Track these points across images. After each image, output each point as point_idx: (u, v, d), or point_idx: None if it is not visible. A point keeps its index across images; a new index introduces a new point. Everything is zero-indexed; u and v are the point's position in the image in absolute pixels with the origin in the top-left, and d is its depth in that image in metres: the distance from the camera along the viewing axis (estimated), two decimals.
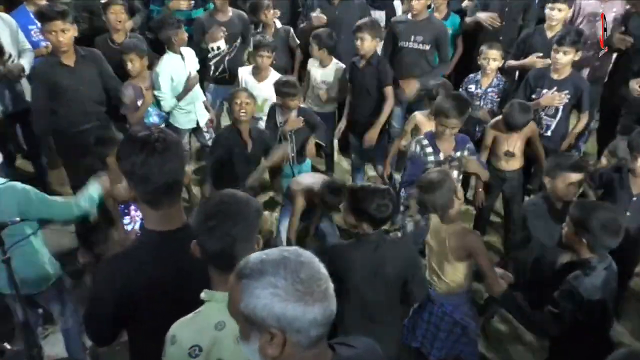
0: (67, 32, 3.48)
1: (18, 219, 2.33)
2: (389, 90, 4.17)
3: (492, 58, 4.10)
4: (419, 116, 4.00)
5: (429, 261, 2.90)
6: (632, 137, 3.06)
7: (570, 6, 4.24)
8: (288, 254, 1.17)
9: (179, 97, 4.24)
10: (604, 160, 3.76)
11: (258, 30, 4.81)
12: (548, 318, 2.42)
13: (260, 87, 4.36)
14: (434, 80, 4.04)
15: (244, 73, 4.46)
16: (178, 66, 4.23)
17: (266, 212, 3.04)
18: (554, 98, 3.84)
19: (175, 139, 1.74)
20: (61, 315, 2.99)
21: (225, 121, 5.32)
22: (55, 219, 2.73)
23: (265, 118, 4.25)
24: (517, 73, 4.67)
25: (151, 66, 4.17)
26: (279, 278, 1.12)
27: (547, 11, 4.24)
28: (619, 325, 3.43)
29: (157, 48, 4.42)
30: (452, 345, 2.88)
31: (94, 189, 2.74)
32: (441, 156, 3.38)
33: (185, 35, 4.32)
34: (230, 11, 4.80)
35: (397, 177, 4.58)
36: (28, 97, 4.03)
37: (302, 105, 4.18)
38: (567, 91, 3.86)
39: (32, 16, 4.22)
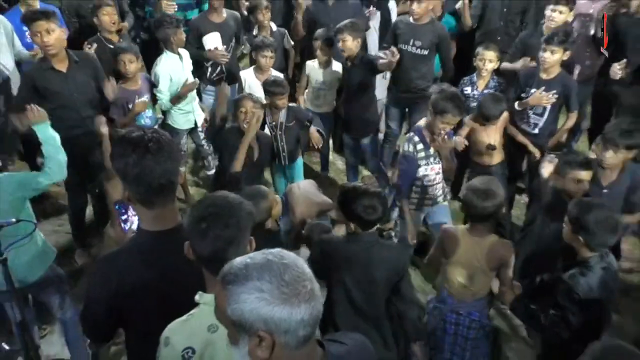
0: (52, 33, 3.35)
1: (14, 219, 2.30)
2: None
3: (488, 59, 4.07)
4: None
5: (449, 273, 2.81)
6: (607, 130, 3.07)
7: (571, 9, 4.20)
8: (272, 257, 1.16)
9: (173, 101, 4.17)
10: (592, 156, 3.70)
11: (255, 33, 4.76)
12: (555, 322, 2.41)
13: (261, 87, 4.29)
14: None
15: (247, 75, 4.40)
16: (176, 66, 4.18)
17: (277, 196, 2.98)
18: (542, 98, 3.83)
19: (169, 140, 1.71)
20: (60, 308, 2.97)
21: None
22: (47, 185, 2.87)
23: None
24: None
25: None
26: (264, 282, 1.12)
27: (547, 12, 4.18)
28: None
29: (151, 49, 4.37)
30: (479, 351, 2.85)
31: (45, 140, 2.83)
32: (431, 151, 3.38)
33: (184, 36, 4.26)
34: (225, 12, 4.74)
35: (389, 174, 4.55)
36: None
37: (291, 105, 4.13)
38: (554, 91, 3.84)
39: None
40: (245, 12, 5.09)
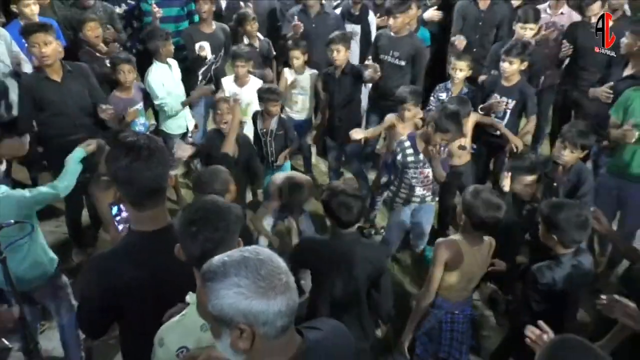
0: (49, 45, 3.40)
1: (12, 221, 2.32)
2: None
3: (459, 68, 4.19)
4: (391, 117, 4.07)
5: (448, 282, 2.71)
6: (565, 130, 3.17)
7: (538, 25, 4.39)
8: (248, 254, 1.18)
9: (185, 103, 4.35)
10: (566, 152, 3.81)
11: (245, 43, 4.88)
12: (519, 308, 2.52)
13: (241, 92, 4.42)
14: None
15: (226, 82, 4.52)
16: (166, 74, 4.30)
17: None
18: (498, 105, 4.01)
19: (161, 147, 1.74)
20: (57, 314, 2.99)
21: (212, 127, 5.38)
22: (50, 202, 2.85)
23: (249, 122, 4.31)
24: None
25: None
26: (241, 277, 1.14)
27: (517, 29, 4.34)
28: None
29: (146, 59, 4.48)
30: (470, 340, 2.90)
31: (74, 159, 2.82)
32: (421, 157, 3.46)
33: (172, 47, 4.36)
34: (214, 24, 4.86)
35: (371, 177, 4.65)
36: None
37: (283, 116, 4.23)
38: (513, 97, 4.02)
39: None
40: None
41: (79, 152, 2.85)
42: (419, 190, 3.58)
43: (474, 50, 4.76)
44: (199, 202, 1.68)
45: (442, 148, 3.32)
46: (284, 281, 1.17)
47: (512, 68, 3.96)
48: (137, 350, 1.75)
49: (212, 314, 1.17)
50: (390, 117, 4.05)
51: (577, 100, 4.52)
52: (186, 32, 4.86)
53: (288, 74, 4.63)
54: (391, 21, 4.39)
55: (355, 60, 5.09)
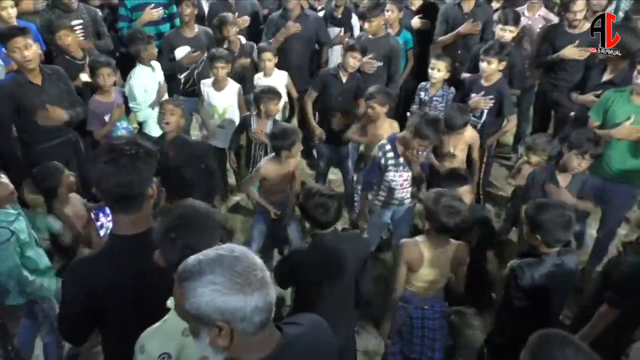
0: (30, 48, 3.35)
1: None
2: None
3: (437, 69, 4.22)
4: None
5: (413, 280, 2.76)
6: (574, 137, 3.20)
7: (518, 27, 4.44)
8: (223, 252, 1.19)
9: (152, 106, 4.22)
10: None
11: (225, 46, 4.82)
12: (499, 303, 2.53)
13: (220, 96, 4.38)
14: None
15: (205, 86, 4.45)
16: (149, 77, 4.24)
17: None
18: (479, 101, 4.04)
19: (147, 154, 1.69)
20: (38, 333, 2.96)
21: (195, 132, 5.33)
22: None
23: (225, 126, 4.30)
24: None
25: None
26: (217, 275, 1.15)
27: (497, 31, 4.39)
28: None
29: (129, 62, 4.40)
30: (443, 336, 2.90)
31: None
32: (401, 160, 3.46)
33: (155, 50, 4.32)
34: (196, 27, 4.80)
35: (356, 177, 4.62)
36: None
37: (277, 118, 4.18)
38: (491, 96, 4.06)
39: None
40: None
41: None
42: (398, 193, 3.58)
43: (459, 52, 4.80)
44: (177, 207, 1.65)
45: (420, 152, 3.34)
46: (260, 277, 1.18)
47: (490, 68, 4.01)
48: (120, 355, 1.73)
49: (190, 313, 1.17)
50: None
51: (557, 100, 4.57)
52: (166, 36, 4.79)
53: (257, 79, 4.60)
54: (366, 25, 4.42)
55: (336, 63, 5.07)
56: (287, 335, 1.32)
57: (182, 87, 4.77)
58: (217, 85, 4.38)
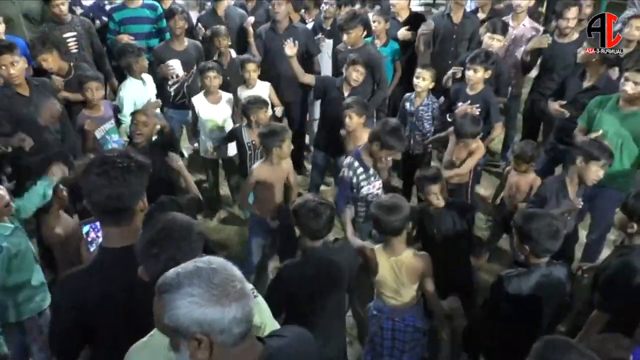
0: (16, 64, 3.38)
1: None
2: None
3: (422, 77, 4.21)
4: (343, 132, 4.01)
5: (378, 288, 2.80)
6: (587, 146, 3.15)
7: (505, 36, 4.48)
8: (201, 264, 1.19)
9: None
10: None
11: (215, 59, 4.81)
12: (484, 313, 2.52)
13: (216, 109, 4.37)
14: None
15: (197, 101, 4.39)
16: (140, 90, 4.23)
17: None
18: (466, 110, 4.03)
19: (139, 168, 1.69)
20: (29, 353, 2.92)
21: (185, 143, 5.29)
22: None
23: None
24: None
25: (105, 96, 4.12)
26: (194, 287, 1.14)
27: (486, 39, 4.42)
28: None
29: (120, 75, 4.38)
30: (419, 350, 2.87)
31: (40, 187, 2.81)
32: (371, 171, 3.41)
33: (146, 62, 4.31)
34: (186, 41, 4.80)
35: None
36: None
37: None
38: (477, 104, 4.07)
39: None
40: (201, 39, 5.08)
41: (46, 181, 2.82)
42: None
43: (449, 62, 4.81)
44: (159, 221, 1.63)
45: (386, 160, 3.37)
46: (238, 288, 1.17)
47: (476, 76, 4.03)
48: None
49: (169, 326, 1.17)
50: (342, 132, 3.99)
51: (545, 109, 4.56)
52: (156, 49, 4.78)
53: (240, 91, 4.58)
54: (345, 37, 4.40)
55: (327, 72, 5.12)
56: (270, 347, 1.30)
57: (172, 100, 4.76)
58: (212, 98, 4.36)
